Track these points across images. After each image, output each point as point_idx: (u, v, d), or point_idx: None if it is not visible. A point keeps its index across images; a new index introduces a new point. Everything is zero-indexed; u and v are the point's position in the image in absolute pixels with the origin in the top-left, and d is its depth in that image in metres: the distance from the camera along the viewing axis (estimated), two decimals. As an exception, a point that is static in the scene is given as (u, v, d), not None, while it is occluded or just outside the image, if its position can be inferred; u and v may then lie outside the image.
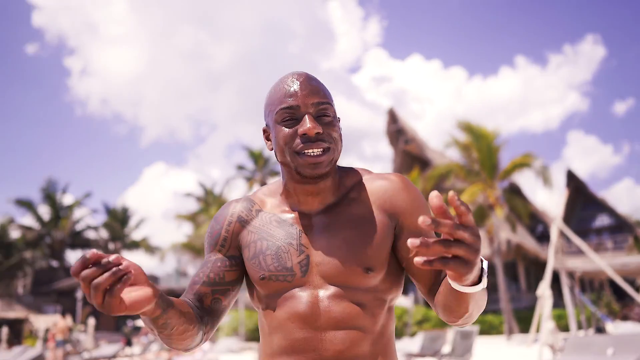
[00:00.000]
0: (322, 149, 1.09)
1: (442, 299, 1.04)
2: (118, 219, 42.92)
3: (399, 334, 21.06)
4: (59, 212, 37.20)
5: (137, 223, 44.06)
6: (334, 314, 1.07)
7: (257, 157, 46.91)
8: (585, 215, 38.80)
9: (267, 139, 1.20)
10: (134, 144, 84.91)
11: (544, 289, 9.86)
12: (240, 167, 47.17)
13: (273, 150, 1.18)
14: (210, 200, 39.89)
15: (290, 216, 1.16)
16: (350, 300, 1.08)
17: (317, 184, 1.13)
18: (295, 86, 1.11)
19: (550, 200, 20.33)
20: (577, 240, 12.59)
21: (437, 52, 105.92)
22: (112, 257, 0.80)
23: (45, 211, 37.08)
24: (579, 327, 19.41)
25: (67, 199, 39.11)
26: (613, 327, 12.84)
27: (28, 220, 36.91)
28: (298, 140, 1.09)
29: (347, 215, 1.13)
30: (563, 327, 21.80)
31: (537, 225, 36.70)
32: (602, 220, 38.33)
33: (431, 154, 32.11)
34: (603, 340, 8.73)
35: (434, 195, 0.72)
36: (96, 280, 0.77)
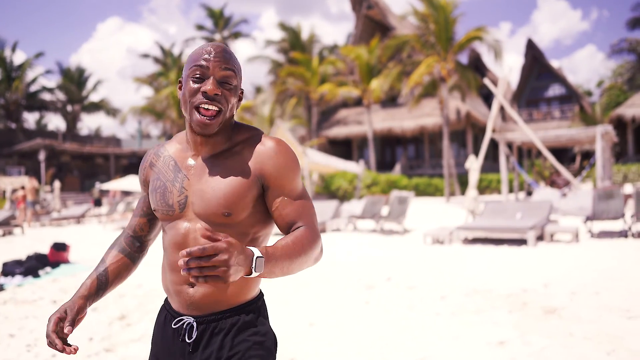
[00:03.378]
0: (216, 110, 1.27)
1: None
2: (74, 81, 41.49)
3: (349, 197, 22.76)
4: (10, 73, 35.68)
5: (94, 84, 42.76)
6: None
7: (217, 17, 44.46)
8: (539, 84, 40.06)
9: (180, 89, 1.35)
10: (84, -4, 78.70)
11: (472, 162, 10.85)
12: (200, 27, 44.89)
13: (180, 101, 1.34)
14: (169, 63, 38.42)
15: (186, 162, 1.37)
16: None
17: (206, 137, 1.33)
18: (210, 51, 1.28)
19: (505, 72, 20.95)
20: (514, 114, 13.60)
21: None
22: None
23: (-6, 71, 35.46)
24: (511, 190, 21.41)
25: (17, 58, 37.24)
26: (536, 192, 14.38)
27: (-23, 80, 35.21)
28: (199, 96, 1.26)
29: (223, 167, 1.33)
30: (499, 190, 23.95)
31: (492, 94, 37.82)
32: (554, 90, 39.75)
33: (394, 20, 31.44)
34: (514, 206, 10.09)
35: (182, 255, 1.00)
36: None
